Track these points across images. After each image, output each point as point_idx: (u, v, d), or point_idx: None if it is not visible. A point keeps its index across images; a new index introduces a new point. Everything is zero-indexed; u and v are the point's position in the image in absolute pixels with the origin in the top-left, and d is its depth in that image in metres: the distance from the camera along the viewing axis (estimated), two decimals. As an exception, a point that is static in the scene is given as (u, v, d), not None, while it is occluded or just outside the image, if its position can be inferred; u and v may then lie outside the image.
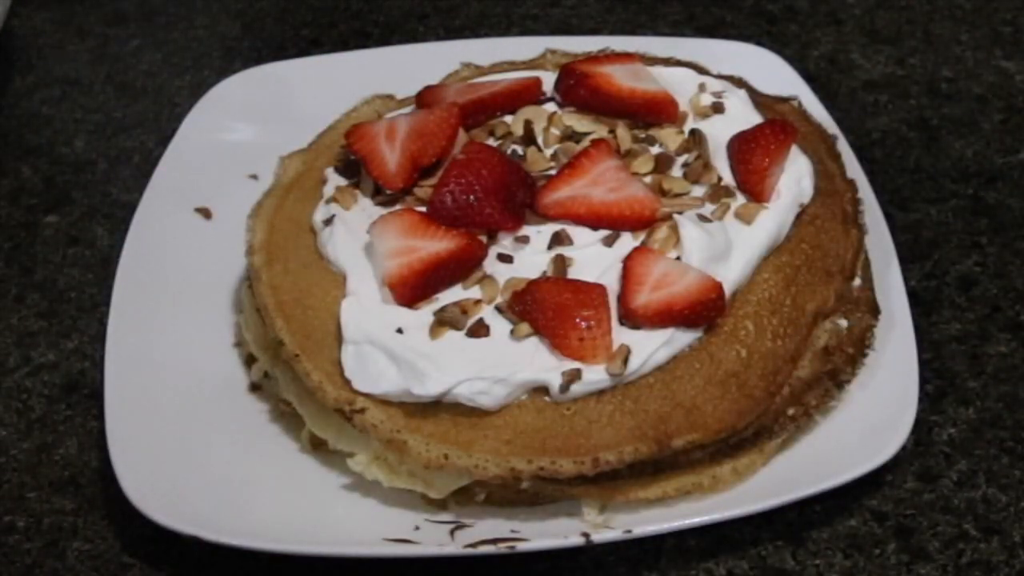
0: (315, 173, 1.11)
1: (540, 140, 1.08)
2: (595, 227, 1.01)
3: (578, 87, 1.10)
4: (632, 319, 0.96)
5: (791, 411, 0.99)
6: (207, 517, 0.94)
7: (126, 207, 1.23)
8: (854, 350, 1.02)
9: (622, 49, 1.16)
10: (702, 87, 1.13)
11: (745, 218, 1.02)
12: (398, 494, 0.98)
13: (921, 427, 1.05)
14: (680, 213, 1.01)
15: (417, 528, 0.96)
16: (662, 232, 1.00)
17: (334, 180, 1.08)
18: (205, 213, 1.20)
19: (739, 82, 1.16)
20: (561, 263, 0.99)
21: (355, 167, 1.08)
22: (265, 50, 1.48)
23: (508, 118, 1.10)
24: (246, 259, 1.06)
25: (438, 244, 0.98)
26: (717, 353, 0.97)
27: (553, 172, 1.04)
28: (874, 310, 1.05)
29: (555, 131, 1.08)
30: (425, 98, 1.12)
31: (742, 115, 1.10)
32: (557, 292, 0.95)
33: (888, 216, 1.16)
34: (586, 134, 1.07)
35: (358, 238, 1.02)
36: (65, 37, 1.52)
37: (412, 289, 0.97)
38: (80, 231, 1.27)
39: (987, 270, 1.20)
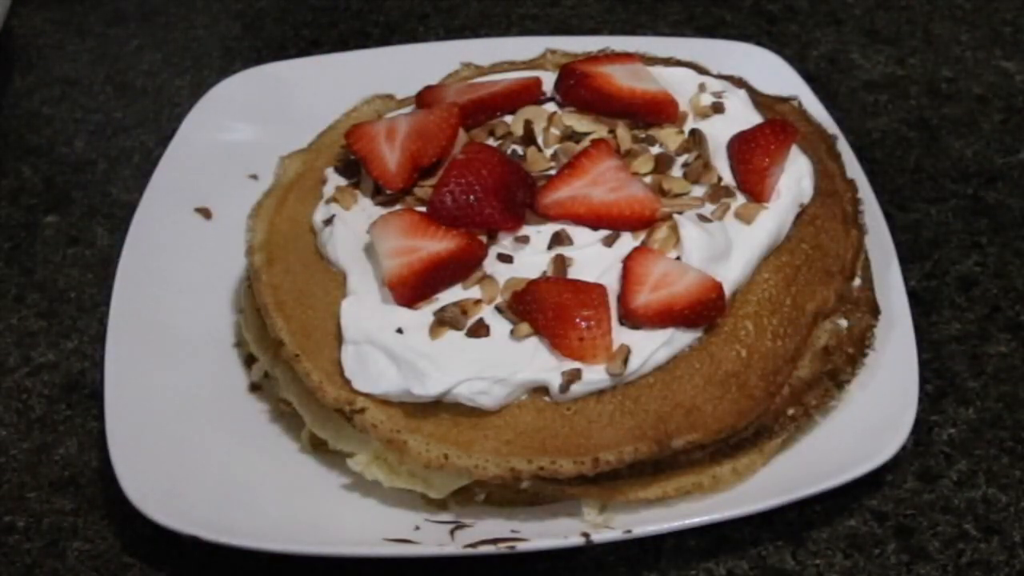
0: (315, 173, 1.11)
1: (540, 140, 1.07)
2: (595, 227, 1.01)
3: (578, 87, 1.10)
4: (632, 319, 0.96)
5: (791, 411, 0.99)
6: (207, 517, 0.94)
7: (126, 207, 1.23)
8: (854, 350, 1.02)
9: (622, 49, 1.16)
10: (702, 87, 1.13)
11: (745, 218, 1.02)
12: (398, 494, 0.98)
13: (921, 427, 1.05)
14: (680, 213, 1.01)
15: (417, 528, 0.96)
16: (662, 232, 1.00)
17: (334, 180, 1.08)
18: (205, 213, 1.20)
19: (739, 82, 1.16)
20: (561, 263, 0.99)
21: (355, 167, 1.08)
22: (265, 50, 1.48)
23: (508, 118, 1.10)
24: (246, 259, 1.07)
25: (438, 244, 0.97)
26: (717, 353, 0.97)
27: (553, 172, 1.03)
28: (874, 310, 1.05)
29: (555, 131, 1.08)
30: (425, 98, 1.12)
31: (742, 115, 1.10)
32: (557, 292, 0.95)
33: (888, 216, 1.16)
34: (586, 134, 1.07)
35: (358, 238, 1.02)
36: (65, 37, 1.52)
37: (412, 289, 0.97)
38: (80, 231, 1.27)
39: (987, 270, 1.20)
